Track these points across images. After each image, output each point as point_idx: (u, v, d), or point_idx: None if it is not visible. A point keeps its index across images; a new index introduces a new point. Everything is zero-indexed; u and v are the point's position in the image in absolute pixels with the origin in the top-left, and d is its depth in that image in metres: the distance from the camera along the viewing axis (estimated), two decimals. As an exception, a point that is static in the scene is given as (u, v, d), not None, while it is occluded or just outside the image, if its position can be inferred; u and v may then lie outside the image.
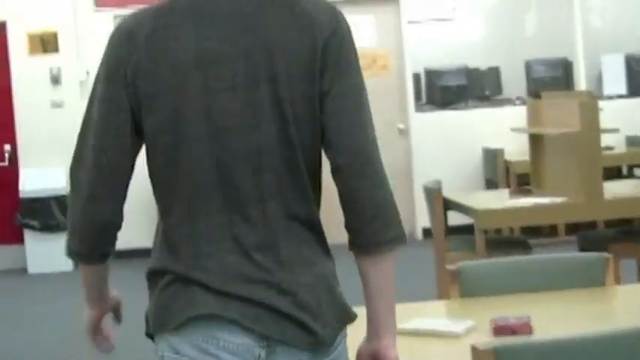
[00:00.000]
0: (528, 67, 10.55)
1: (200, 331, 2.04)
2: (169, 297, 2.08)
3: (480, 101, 10.65)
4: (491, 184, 9.62)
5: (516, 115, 9.83)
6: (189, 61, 2.05)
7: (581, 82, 10.26)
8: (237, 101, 2.05)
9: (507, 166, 9.24)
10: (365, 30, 9.81)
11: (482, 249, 6.06)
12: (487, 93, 10.72)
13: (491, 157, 9.45)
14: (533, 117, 6.90)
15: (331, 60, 2.07)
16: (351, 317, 2.16)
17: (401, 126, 9.98)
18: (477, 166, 9.97)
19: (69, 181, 2.17)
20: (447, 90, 10.32)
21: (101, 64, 2.12)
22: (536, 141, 6.92)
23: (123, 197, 2.13)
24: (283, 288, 2.06)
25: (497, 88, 10.82)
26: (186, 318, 2.04)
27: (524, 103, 10.45)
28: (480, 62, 10.68)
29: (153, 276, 2.14)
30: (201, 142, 2.05)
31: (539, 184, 6.87)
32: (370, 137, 2.09)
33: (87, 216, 2.12)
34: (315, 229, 2.14)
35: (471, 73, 10.53)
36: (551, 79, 10.34)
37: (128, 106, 2.08)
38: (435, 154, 9.94)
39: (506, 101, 10.84)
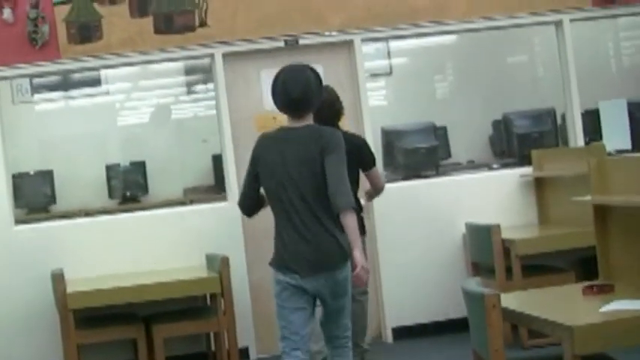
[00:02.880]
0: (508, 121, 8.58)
1: None
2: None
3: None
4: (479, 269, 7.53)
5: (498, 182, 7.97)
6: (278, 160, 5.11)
7: (577, 137, 8.13)
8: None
9: (507, 246, 7.12)
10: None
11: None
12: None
13: (483, 234, 7.27)
14: (599, 180, 4.86)
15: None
16: None
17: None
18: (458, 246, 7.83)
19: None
20: (413, 153, 8.22)
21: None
22: (602, 214, 4.88)
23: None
24: None
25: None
26: None
27: (504, 165, 8.56)
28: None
29: None
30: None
31: (611, 275, 4.83)
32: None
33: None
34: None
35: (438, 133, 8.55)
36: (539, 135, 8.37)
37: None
38: (403, 233, 7.79)
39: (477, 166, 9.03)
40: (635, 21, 10.71)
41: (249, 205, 5.30)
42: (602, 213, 4.84)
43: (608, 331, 3.96)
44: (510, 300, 4.25)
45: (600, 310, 4.15)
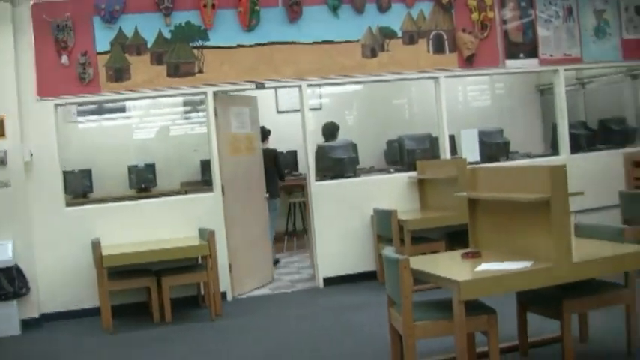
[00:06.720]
0: (401, 141, 8.46)
1: None
2: None
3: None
4: (382, 239, 7.41)
5: (394, 181, 7.81)
6: None
7: (446, 153, 8.09)
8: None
9: (401, 224, 7.02)
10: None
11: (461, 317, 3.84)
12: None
13: (385, 216, 7.17)
14: (471, 182, 4.76)
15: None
16: None
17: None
18: (367, 223, 7.68)
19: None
20: (340, 161, 8.06)
21: None
22: (473, 204, 4.78)
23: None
24: None
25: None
26: None
27: (398, 170, 8.42)
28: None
29: None
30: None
31: (479, 245, 4.72)
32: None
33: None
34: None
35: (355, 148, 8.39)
36: (421, 151, 8.26)
37: None
38: (331, 213, 7.62)
39: (385, 170, 8.86)
40: (482, 78, 10.78)
41: None
42: (472, 203, 4.75)
43: (481, 283, 3.88)
44: (413, 262, 4.12)
45: (475, 269, 4.07)
